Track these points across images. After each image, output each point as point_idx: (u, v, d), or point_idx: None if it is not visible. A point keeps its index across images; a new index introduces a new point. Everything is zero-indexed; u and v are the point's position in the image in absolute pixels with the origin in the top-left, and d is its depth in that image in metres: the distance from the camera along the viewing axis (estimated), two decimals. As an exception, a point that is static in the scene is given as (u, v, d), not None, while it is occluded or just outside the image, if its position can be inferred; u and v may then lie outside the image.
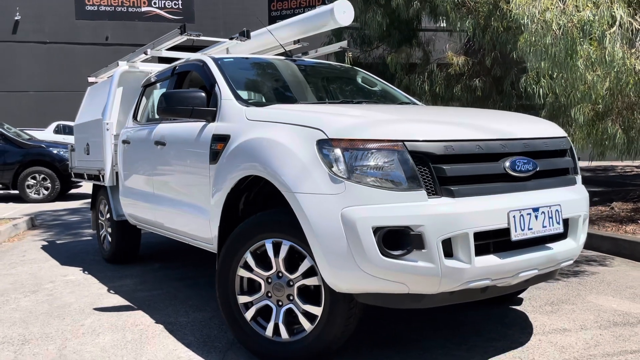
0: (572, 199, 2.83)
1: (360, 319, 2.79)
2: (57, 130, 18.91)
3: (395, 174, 2.43)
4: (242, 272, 2.90)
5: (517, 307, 3.67)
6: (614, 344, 3.01)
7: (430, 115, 3.04)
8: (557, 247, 2.74)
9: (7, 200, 11.63)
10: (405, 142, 2.45)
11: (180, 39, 4.37)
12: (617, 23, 4.45)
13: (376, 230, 2.38)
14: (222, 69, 3.70)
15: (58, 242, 6.90)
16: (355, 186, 2.42)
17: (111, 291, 4.40)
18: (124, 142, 4.82)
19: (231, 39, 4.42)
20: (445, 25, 6.65)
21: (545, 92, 4.83)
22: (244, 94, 3.59)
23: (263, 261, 2.85)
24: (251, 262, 2.86)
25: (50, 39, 22.68)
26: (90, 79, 6.32)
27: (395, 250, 2.39)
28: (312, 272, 2.68)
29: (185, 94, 3.44)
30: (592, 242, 5.51)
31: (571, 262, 2.92)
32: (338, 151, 2.48)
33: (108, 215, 5.38)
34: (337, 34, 8.96)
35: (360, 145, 2.46)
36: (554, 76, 4.54)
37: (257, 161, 2.83)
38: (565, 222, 2.82)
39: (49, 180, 11.38)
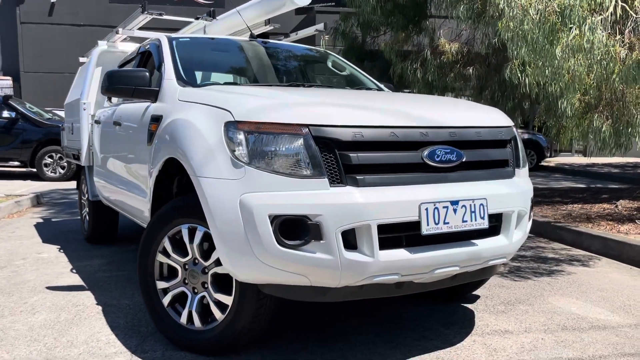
0: (504, 193, 2.64)
1: (277, 310, 2.68)
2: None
3: (296, 160, 2.30)
4: (160, 258, 2.83)
5: (469, 305, 3.49)
6: (552, 349, 2.82)
7: (353, 100, 2.88)
8: (483, 244, 2.56)
9: (25, 178, 11.92)
10: (310, 127, 2.32)
11: (144, 18, 4.30)
12: (612, 7, 4.17)
13: (273, 219, 2.26)
14: (173, 49, 3.62)
15: (53, 220, 7.00)
16: (255, 172, 2.31)
17: (73, 271, 4.40)
18: (96, 122, 4.81)
19: (197, 18, 4.33)
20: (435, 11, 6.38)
21: (530, 82, 4.57)
22: (192, 75, 3.50)
23: (180, 247, 2.76)
24: (169, 247, 2.78)
25: (85, 21, 23.06)
26: (81, 59, 6.34)
27: (293, 240, 2.27)
28: (225, 259, 2.58)
29: (128, 73, 3.37)
30: (582, 240, 5.26)
31: (504, 260, 2.73)
32: (242, 134, 2.36)
33: (86, 196, 5.40)
34: (344, 19, 8.78)
35: (264, 129, 2.34)
36: (539, 65, 4.28)
37: (174, 142, 2.74)
38: (498, 218, 2.65)
39: (65, 160, 11.59)
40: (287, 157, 2.30)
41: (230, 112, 2.44)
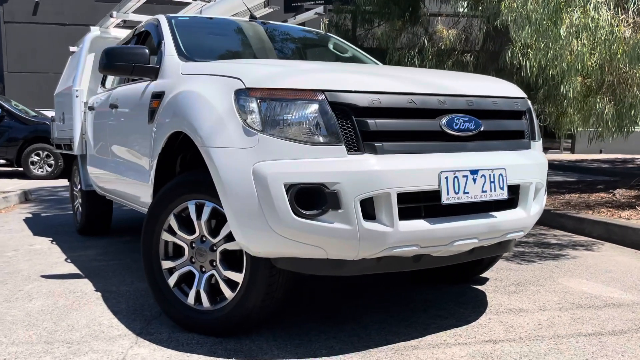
0: (522, 164, 2.57)
1: (289, 289, 2.58)
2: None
3: (312, 126, 2.21)
4: (165, 236, 2.71)
5: (479, 287, 3.42)
6: (569, 326, 2.75)
7: (366, 69, 2.80)
8: (501, 216, 2.49)
9: (12, 177, 11.68)
10: (326, 92, 2.23)
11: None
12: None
13: (289, 188, 2.16)
14: (172, 27, 3.52)
15: (43, 214, 6.83)
16: (269, 139, 2.21)
17: (68, 260, 4.27)
18: (90, 108, 4.68)
19: (194, -1, 4.23)
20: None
21: (532, 64, 4.52)
22: (193, 52, 3.39)
23: (187, 224, 2.65)
24: (174, 225, 2.66)
25: (70, 20, 22.75)
26: (72, 49, 6.19)
27: (309, 209, 2.17)
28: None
29: (127, 50, 3.25)
30: (584, 226, 5.22)
31: (522, 234, 2.66)
32: (254, 101, 2.26)
33: (79, 186, 5.26)
34: (338, 11, 8.70)
35: (278, 95, 2.25)
36: (541, 47, 4.23)
37: (180, 115, 2.64)
38: (515, 189, 2.57)
39: (52, 158, 11.38)
40: (302, 124, 2.21)
41: (240, 80, 2.34)
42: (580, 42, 3.95)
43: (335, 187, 2.14)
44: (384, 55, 7.47)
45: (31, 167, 11.34)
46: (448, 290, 3.34)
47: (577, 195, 6.84)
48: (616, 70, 4.35)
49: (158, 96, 3.03)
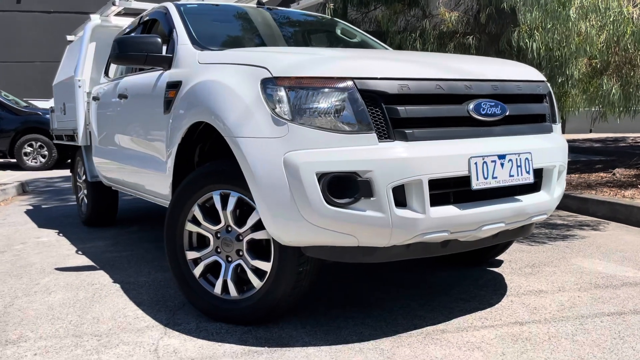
0: (546, 147, 2.58)
1: (315, 277, 2.59)
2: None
3: (343, 115, 2.20)
4: (190, 227, 2.71)
5: (495, 269, 3.45)
6: (591, 306, 2.79)
7: (390, 54, 2.79)
8: (527, 200, 2.51)
9: (5, 168, 11.57)
10: (355, 80, 2.22)
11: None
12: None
13: (321, 177, 2.16)
14: (182, 15, 3.48)
15: (44, 206, 6.78)
16: (299, 128, 2.20)
17: (79, 252, 4.25)
18: (94, 98, 4.62)
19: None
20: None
21: (538, 47, 4.53)
22: (205, 40, 3.35)
23: (212, 214, 2.65)
24: (199, 215, 2.66)
25: (55, 8, 22.40)
26: (69, 37, 6.10)
27: (342, 198, 2.18)
28: (261, 225, 2.46)
29: (140, 39, 3.21)
30: (588, 206, 5.27)
31: (545, 216, 2.69)
32: (282, 90, 2.25)
33: (84, 177, 5.22)
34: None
35: (306, 84, 2.24)
36: (548, 27, 4.23)
37: (202, 105, 2.62)
38: (538, 173, 2.59)
39: (45, 148, 11.27)
40: (332, 112, 2.20)
41: (266, 69, 2.32)
42: (589, 23, 3.97)
43: (368, 175, 2.14)
44: (384, 38, 7.43)
45: (24, 158, 11.23)
46: (465, 273, 3.37)
47: (576, 175, 6.90)
48: (623, 51, 4.38)
49: (174, 86, 3.00)
